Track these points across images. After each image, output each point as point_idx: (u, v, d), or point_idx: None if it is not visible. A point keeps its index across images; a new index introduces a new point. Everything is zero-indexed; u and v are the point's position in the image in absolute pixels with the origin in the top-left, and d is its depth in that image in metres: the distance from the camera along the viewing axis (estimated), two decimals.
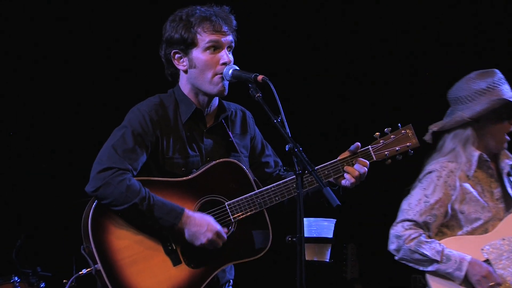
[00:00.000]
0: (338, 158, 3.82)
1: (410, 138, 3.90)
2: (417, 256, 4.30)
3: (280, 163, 4.06)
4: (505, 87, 4.41)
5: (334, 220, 6.17)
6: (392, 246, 4.38)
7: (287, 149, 3.35)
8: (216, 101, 3.87)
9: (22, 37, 6.42)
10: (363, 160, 3.80)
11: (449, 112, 4.49)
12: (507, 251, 4.32)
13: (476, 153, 4.39)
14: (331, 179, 3.81)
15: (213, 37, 3.74)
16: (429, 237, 4.34)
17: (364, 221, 6.98)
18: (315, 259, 6.11)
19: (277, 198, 3.76)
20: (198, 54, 3.76)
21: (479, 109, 4.32)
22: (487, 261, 4.30)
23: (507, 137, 4.43)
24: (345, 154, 3.83)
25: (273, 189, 3.76)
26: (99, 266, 3.60)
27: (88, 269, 3.64)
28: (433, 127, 4.47)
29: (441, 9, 6.83)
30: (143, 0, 6.56)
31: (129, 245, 3.65)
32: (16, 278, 5.52)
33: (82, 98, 6.56)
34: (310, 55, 6.95)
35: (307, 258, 6.06)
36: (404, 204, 4.44)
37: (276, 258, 4.91)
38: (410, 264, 4.35)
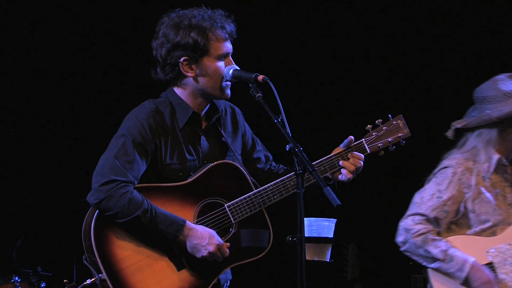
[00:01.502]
0: (333, 153, 3.82)
1: (402, 128, 3.91)
2: (421, 251, 4.30)
3: (271, 157, 4.06)
4: None
5: (334, 220, 6.16)
6: (399, 238, 4.39)
7: (287, 149, 3.35)
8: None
9: (23, 37, 6.42)
10: (358, 154, 3.80)
11: (472, 110, 4.47)
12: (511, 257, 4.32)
13: (496, 156, 4.37)
14: (327, 174, 3.81)
15: (225, 46, 3.74)
16: (438, 233, 4.34)
17: (365, 221, 6.98)
18: (316, 259, 6.10)
19: (275, 197, 3.76)
20: (210, 62, 3.73)
21: (508, 111, 4.31)
22: (490, 264, 4.29)
23: None
24: (339, 148, 3.83)
25: (271, 188, 3.76)
26: (104, 275, 3.60)
27: (92, 279, 3.64)
28: (457, 124, 4.45)
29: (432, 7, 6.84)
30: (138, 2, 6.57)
31: (133, 253, 3.65)
32: (16, 278, 5.51)
33: (82, 98, 6.56)
34: (314, 54, 6.95)
35: (307, 258, 6.05)
36: (417, 197, 4.43)
37: (276, 258, 4.90)
38: (414, 258, 4.35)
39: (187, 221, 3.65)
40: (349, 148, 3.81)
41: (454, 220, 4.37)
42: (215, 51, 3.72)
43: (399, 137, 3.90)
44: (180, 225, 3.63)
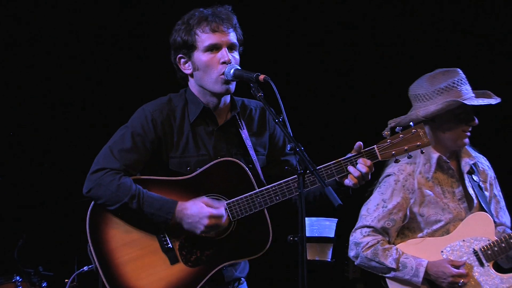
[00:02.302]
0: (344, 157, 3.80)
1: (421, 137, 3.78)
2: (374, 264, 4.30)
3: None
4: (465, 87, 4.30)
5: (335, 220, 6.15)
6: (351, 253, 4.39)
7: (288, 148, 3.35)
8: (227, 98, 3.87)
9: (24, 36, 6.42)
10: (366, 160, 3.75)
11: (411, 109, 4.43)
12: (467, 253, 4.29)
13: (435, 155, 4.32)
14: (336, 179, 3.79)
15: (211, 37, 3.75)
16: (388, 242, 4.31)
17: None
18: (317, 258, 6.09)
19: (277, 198, 3.74)
20: (199, 55, 3.77)
21: (433, 109, 4.23)
22: None
23: (466, 140, 4.32)
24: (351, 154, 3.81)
25: (273, 188, 3.74)
26: (97, 265, 3.64)
27: (90, 266, 3.67)
28: (392, 122, 4.37)
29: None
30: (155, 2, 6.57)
31: (126, 244, 3.67)
32: (18, 278, 5.53)
33: (83, 97, 6.56)
34: (315, 55, 6.93)
35: (308, 258, 6.05)
36: (363, 210, 4.41)
37: (277, 258, 4.90)
38: (369, 270, 4.35)
39: (178, 202, 3.66)
40: (359, 154, 3.76)
41: (406, 225, 4.34)
42: (201, 43, 3.76)
43: (417, 145, 3.76)
44: (170, 207, 3.64)
